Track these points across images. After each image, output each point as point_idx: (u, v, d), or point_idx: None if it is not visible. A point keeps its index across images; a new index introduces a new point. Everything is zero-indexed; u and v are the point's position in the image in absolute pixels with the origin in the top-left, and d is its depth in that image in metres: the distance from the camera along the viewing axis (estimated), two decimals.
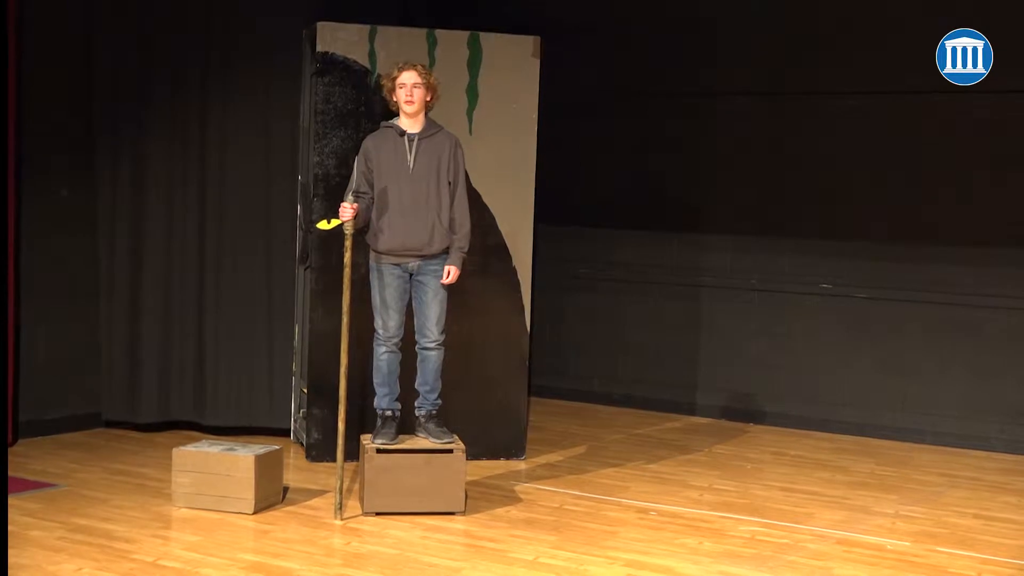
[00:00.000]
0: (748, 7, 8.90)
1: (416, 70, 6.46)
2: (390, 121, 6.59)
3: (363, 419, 7.06)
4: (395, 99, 6.50)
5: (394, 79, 6.48)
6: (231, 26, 7.79)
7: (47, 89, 7.61)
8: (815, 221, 8.82)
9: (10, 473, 6.74)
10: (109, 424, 8.01)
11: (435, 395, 6.62)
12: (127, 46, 7.76)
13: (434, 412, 6.62)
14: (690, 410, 9.18)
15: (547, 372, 9.56)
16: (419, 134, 6.50)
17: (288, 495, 6.64)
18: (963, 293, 8.32)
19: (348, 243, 6.35)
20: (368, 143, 6.56)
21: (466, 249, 6.59)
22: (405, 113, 6.49)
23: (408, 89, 6.44)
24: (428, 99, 6.50)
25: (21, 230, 7.52)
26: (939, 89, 7.56)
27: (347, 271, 6.38)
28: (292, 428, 7.91)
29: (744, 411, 9.01)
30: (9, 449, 7.37)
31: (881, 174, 8.54)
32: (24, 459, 7.20)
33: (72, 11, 7.68)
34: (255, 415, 7.95)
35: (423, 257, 6.49)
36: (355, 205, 6.34)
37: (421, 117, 6.52)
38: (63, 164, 7.74)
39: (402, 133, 6.49)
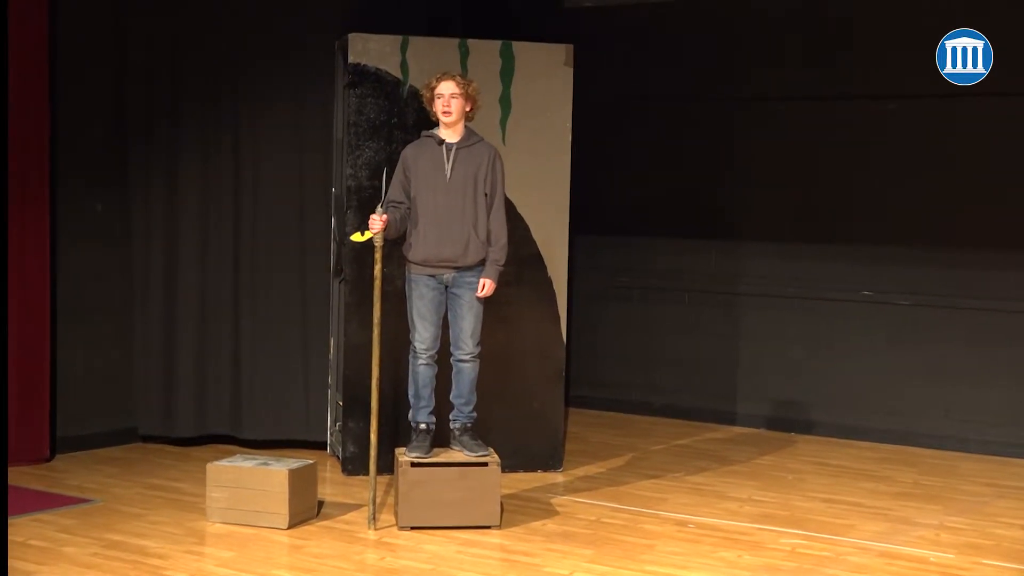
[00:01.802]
0: (783, 10, 8.80)
1: (454, 80, 6.42)
2: (430, 131, 6.55)
3: (398, 432, 7.03)
4: (433, 109, 6.46)
5: (432, 89, 6.44)
6: (263, 38, 7.78)
7: (81, 104, 7.63)
8: (855, 227, 8.71)
9: (47, 488, 6.87)
10: (145, 439, 8.01)
11: (470, 408, 6.57)
12: (160, 60, 7.78)
13: (469, 425, 6.57)
14: (730, 420, 9.09)
15: (584, 382, 9.49)
16: (457, 144, 6.45)
17: (323, 509, 6.61)
18: (1006, 298, 8.20)
19: (378, 255, 6.33)
20: (407, 152, 6.53)
21: (502, 262, 6.52)
22: (443, 123, 6.45)
23: (446, 99, 6.39)
24: (467, 109, 6.45)
25: (56, 245, 7.54)
26: (978, 92, 7.43)
27: (377, 283, 6.35)
28: (328, 441, 7.89)
29: (785, 420, 8.90)
30: (46, 464, 7.42)
31: (920, 178, 8.42)
32: (61, 474, 7.22)
33: (104, 24, 7.71)
34: (291, 428, 7.92)
35: (458, 268, 6.44)
36: (384, 216, 6.31)
37: (460, 127, 6.47)
38: (97, 178, 7.76)
39: (441, 142, 6.45)
